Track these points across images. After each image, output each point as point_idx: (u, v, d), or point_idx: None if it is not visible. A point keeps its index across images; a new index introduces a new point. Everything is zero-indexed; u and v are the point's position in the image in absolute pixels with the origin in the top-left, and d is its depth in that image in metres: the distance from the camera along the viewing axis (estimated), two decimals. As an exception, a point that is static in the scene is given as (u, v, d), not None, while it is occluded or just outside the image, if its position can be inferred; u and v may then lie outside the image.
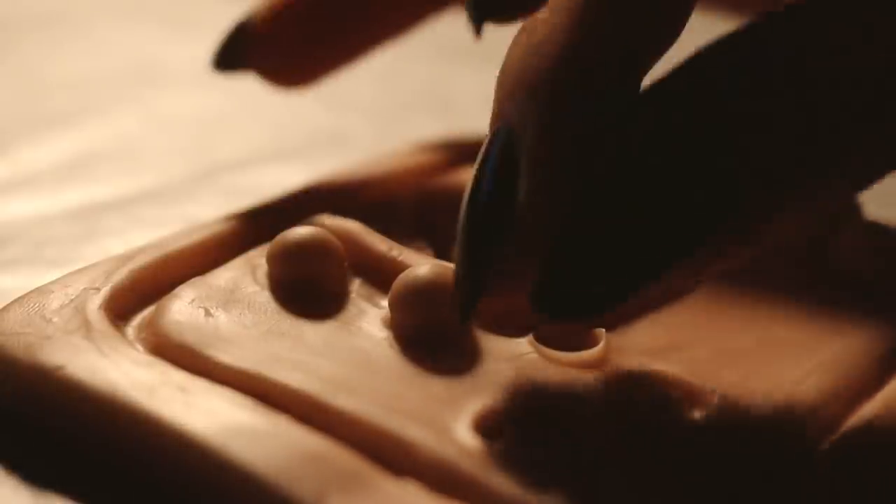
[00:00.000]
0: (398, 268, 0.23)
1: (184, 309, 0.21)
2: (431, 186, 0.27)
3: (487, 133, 0.19)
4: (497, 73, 0.19)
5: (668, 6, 0.18)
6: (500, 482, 0.18)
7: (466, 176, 0.28)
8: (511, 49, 0.19)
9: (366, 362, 0.20)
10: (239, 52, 0.27)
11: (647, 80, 0.18)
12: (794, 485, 0.19)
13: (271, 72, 0.27)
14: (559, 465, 0.18)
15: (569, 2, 0.18)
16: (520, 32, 0.19)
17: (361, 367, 0.20)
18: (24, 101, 0.37)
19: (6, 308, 0.22)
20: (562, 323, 0.18)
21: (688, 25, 0.19)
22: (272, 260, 0.23)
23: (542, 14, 0.18)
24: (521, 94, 0.18)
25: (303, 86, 0.28)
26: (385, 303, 0.22)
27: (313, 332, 0.21)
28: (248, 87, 0.40)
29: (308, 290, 0.22)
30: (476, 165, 0.19)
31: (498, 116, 0.18)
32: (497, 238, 0.18)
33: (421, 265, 0.22)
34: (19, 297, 0.22)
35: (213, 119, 0.36)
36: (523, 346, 0.21)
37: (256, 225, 0.25)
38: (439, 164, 0.29)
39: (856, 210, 0.26)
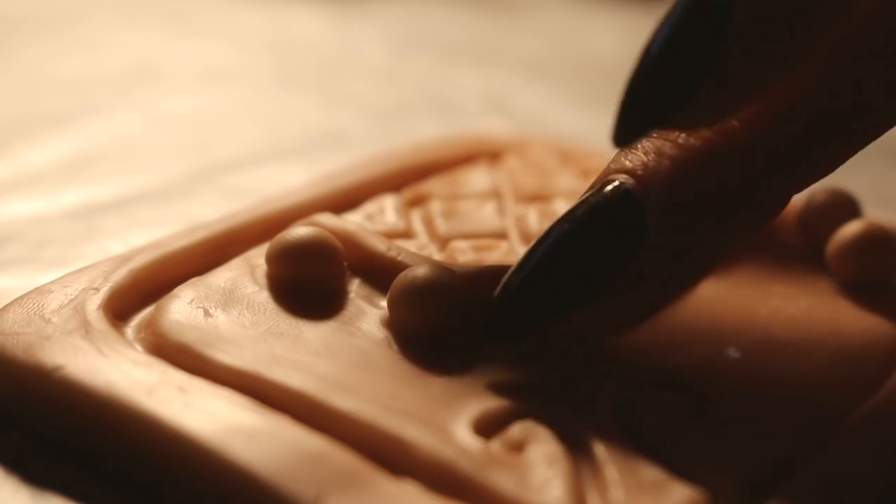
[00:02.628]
0: (397, 268, 0.23)
1: (183, 309, 0.21)
2: (431, 186, 0.27)
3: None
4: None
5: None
6: (500, 482, 0.18)
7: (466, 175, 0.28)
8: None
9: (365, 362, 0.20)
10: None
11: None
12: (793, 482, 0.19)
13: None
14: (559, 466, 0.18)
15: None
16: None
17: (360, 367, 0.20)
18: (24, 101, 0.37)
19: (5, 308, 0.22)
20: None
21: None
22: (271, 260, 0.23)
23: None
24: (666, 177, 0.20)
25: None
26: (384, 303, 0.22)
27: (312, 332, 0.21)
28: (248, 87, 0.40)
29: (307, 290, 0.22)
30: (587, 202, 0.21)
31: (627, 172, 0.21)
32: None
33: (420, 265, 0.22)
34: (19, 297, 0.22)
35: (213, 119, 0.36)
36: (522, 346, 0.21)
37: (256, 225, 0.25)
38: (439, 163, 0.29)
39: (856, 210, 0.26)
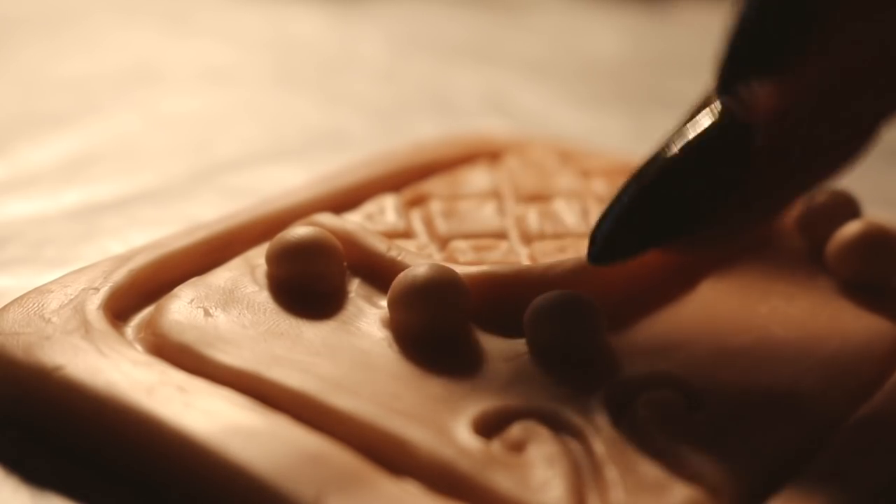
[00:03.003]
0: (397, 268, 0.23)
1: (183, 309, 0.21)
2: (431, 186, 0.27)
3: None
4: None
5: None
6: (500, 482, 0.18)
7: (466, 175, 0.28)
8: None
9: (364, 362, 0.20)
10: None
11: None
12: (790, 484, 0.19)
13: None
14: (559, 465, 0.18)
15: None
16: None
17: (360, 367, 0.20)
18: (24, 101, 0.37)
19: (6, 308, 0.22)
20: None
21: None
22: (271, 260, 0.23)
23: None
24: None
25: None
26: (384, 303, 0.22)
27: (312, 331, 0.21)
28: (248, 87, 0.40)
29: (307, 289, 0.22)
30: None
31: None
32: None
33: (420, 265, 0.22)
34: (19, 297, 0.22)
35: (213, 119, 0.36)
36: (522, 346, 0.21)
37: (256, 225, 0.25)
38: (439, 163, 0.29)
39: (856, 210, 0.26)
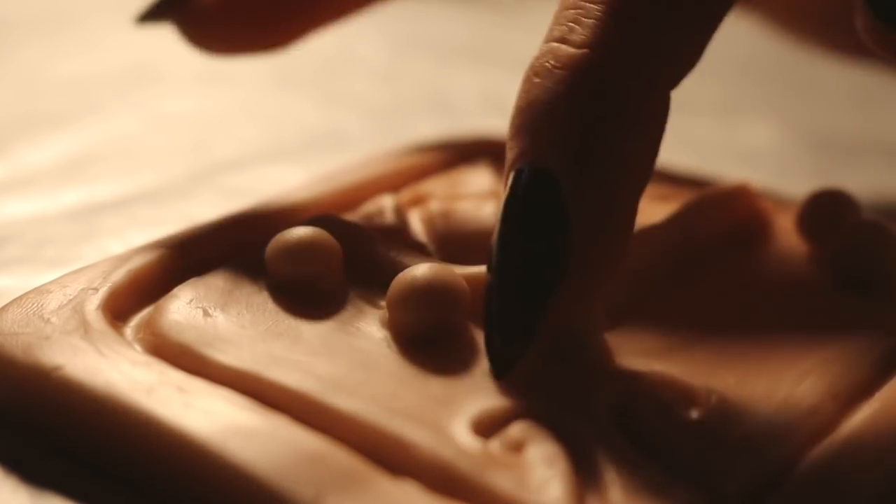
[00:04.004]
0: (396, 268, 0.23)
1: (182, 309, 0.21)
2: (430, 186, 0.27)
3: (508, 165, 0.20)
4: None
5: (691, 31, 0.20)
6: (499, 482, 0.18)
7: (464, 175, 0.28)
8: (526, 87, 0.20)
9: (364, 362, 0.20)
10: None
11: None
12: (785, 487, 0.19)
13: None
14: (558, 466, 0.18)
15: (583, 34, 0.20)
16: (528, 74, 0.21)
17: (359, 367, 0.20)
18: (24, 101, 0.37)
19: (5, 308, 0.22)
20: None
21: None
22: (271, 260, 0.23)
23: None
24: (551, 131, 0.20)
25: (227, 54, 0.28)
26: (383, 303, 0.22)
27: (311, 332, 0.21)
28: (246, 87, 0.40)
29: (306, 290, 0.22)
30: (505, 203, 0.20)
31: (522, 155, 0.20)
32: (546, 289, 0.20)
33: (419, 265, 0.22)
34: (18, 298, 0.22)
35: (212, 119, 0.36)
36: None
37: (255, 225, 0.25)
38: (438, 163, 0.29)
39: (855, 210, 0.26)
